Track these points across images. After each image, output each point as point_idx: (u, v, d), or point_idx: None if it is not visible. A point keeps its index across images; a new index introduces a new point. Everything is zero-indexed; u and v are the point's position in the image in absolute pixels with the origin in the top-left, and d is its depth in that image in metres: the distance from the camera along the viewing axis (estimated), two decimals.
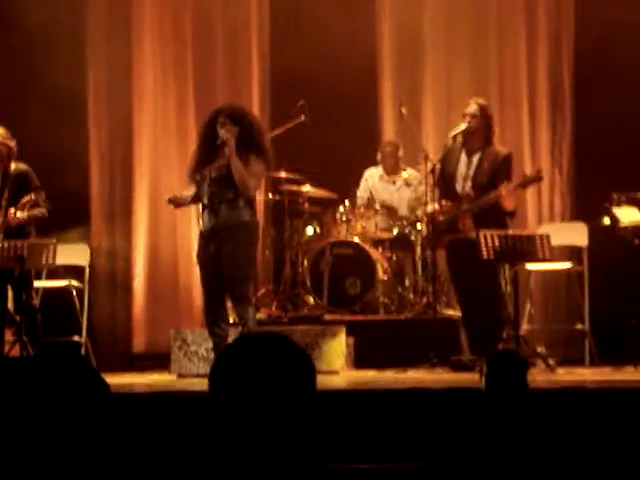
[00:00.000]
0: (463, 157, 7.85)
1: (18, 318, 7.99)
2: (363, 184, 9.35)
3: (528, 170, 8.65)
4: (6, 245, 7.79)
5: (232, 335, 7.15)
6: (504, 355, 4.70)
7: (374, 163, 9.37)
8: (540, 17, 9.47)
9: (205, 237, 7.13)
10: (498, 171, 7.69)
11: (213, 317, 7.13)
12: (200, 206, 7.24)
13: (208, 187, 7.07)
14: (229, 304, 7.31)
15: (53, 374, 2.68)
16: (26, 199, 7.92)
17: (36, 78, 9.26)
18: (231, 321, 7.41)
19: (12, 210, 7.92)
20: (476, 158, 7.79)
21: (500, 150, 7.85)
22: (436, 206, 7.91)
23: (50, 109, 9.13)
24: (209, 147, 7.09)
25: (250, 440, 2.25)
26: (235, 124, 6.99)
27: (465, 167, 7.82)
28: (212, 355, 7.49)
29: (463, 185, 7.80)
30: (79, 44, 9.70)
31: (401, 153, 9.25)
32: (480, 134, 7.79)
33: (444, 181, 7.93)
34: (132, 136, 9.82)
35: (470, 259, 7.46)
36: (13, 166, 8.13)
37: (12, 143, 8.11)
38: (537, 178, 7.71)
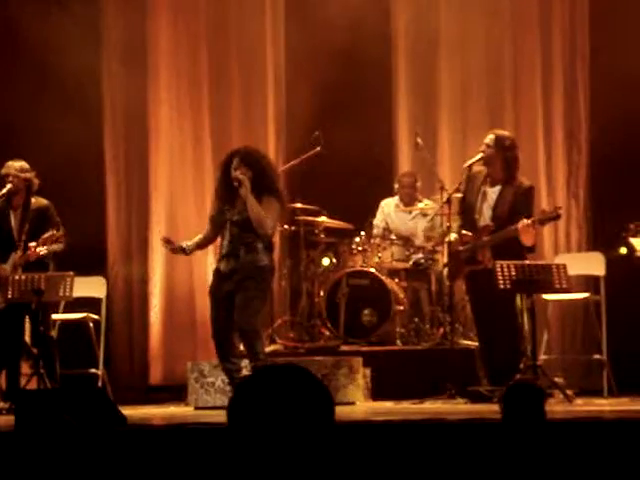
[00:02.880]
0: (484, 188, 7.82)
1: (35, 350, 8.01)
2: (379, 214, 9.35)
3: (545, 204, 8.65)
4: (23, 277, 7.83)
5: (244, 368, 7.16)
6: (522, 386, 4.69)
7: (390, 193, 9.38)
8: (555, 47, 9.48)
9: (221, 276, 7.15)
10: (519, 204, 7.66)
11: (223, 353, 7.15)
12: (220, 246, 7.27)
13: (229, 230, 7.10)
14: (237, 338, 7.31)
15: (71, 406, 2.69)
16: (47, 235, 7.95)
17: (56, 117, 9.32)
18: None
19: (32, 245, 7.95)
20: (497, 190, 7.76)
21: (522, 183, 7.79)
22: (455, 236, 7.91)
23: (68, 145, 9.21)
24: (226, 189, 7.12)
25: (269, 472, 2.25)
26: (248, 167, 7.03)
27: (485, 198, 7.80)
28: (229, 387, 7.48)
29: (482, 214, 7.79)
30: (95, 83, 9.76)
31: (419, 184, 9.25)
32: (497, 165, 7.76)
33: (464, 210, 7.93)
34: (148, 170, 9.86)
35: (489, 290, 7.44)
36: (33, 200, 8.18)
37: (30, 176, 8.16)
38: (555, 216, 7.66)
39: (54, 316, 8.45)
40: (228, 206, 7.12)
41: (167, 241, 7.36)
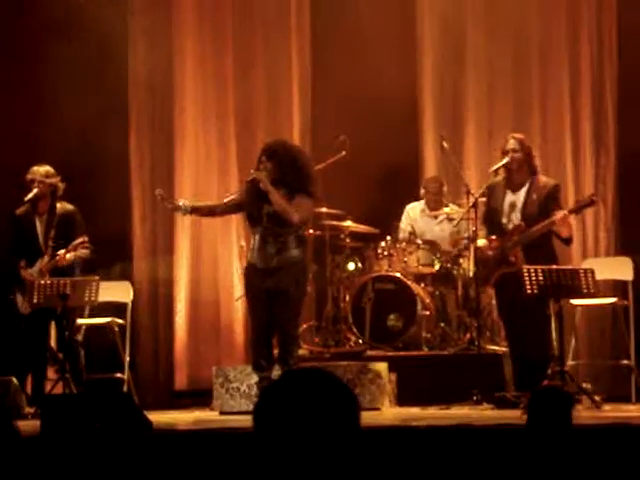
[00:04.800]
0: (509, 196, 7.79)
1: (61, 355, 8.03)
2: (405, 218, 9.32)
3: (572, 203, 8.60)
4: (49, 282, 7.84)
5: (274, 372, 7.14)
6: (549, 391, 4.66)
7: (416, 198, 9.35)
8: (582, 49, 9.42)
9: (258, 272, 7.14)
10: (549, 201, 7.65)
11: (262, 351, 7.14)
12: (251, 241, 7.27)
13: (262, 224, 7.11)
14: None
15: (96, 411, 2.68)
16: (78, 241, 7.97)
17: (82, 122, 9.35)
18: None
19: (62, 251, 7.97)
20: (523, 190, 7.74)
21: (547, 181, 7.82)
22: (483, 242, 7.87)
23: (94, 150, 9.25)
24: (257, 187, 7.14)
25: (294, 477, 2.23)
26: (269, 159, 7.05)
27: (512, 201, 7.76)
28: (254, 391, 7.48)
29: (511, 218, 7.75)
30: (121, 87, 9.79)
31: (445, 189, 9.22)
32: (523, 167, 7.76)
33: (489, 216, 7.90)
34: (173, 174, 9.87)
35: (519, 294, 7.39)
36: (59, 205, 8.19)
37: (56, 181, 8.16)
38: (590, 202, 7.64)
39: (80, 321, 8.47)
40: (260, 202, 7.13)
41: (163, 197, 7.33)
